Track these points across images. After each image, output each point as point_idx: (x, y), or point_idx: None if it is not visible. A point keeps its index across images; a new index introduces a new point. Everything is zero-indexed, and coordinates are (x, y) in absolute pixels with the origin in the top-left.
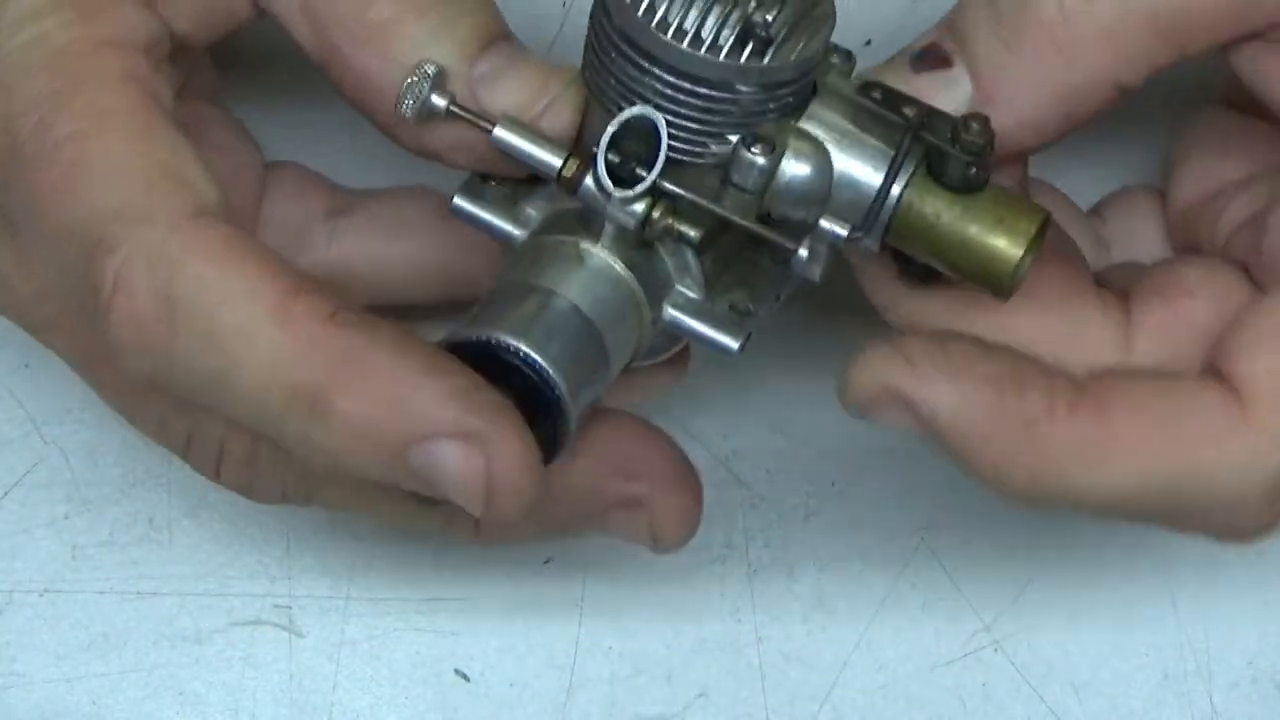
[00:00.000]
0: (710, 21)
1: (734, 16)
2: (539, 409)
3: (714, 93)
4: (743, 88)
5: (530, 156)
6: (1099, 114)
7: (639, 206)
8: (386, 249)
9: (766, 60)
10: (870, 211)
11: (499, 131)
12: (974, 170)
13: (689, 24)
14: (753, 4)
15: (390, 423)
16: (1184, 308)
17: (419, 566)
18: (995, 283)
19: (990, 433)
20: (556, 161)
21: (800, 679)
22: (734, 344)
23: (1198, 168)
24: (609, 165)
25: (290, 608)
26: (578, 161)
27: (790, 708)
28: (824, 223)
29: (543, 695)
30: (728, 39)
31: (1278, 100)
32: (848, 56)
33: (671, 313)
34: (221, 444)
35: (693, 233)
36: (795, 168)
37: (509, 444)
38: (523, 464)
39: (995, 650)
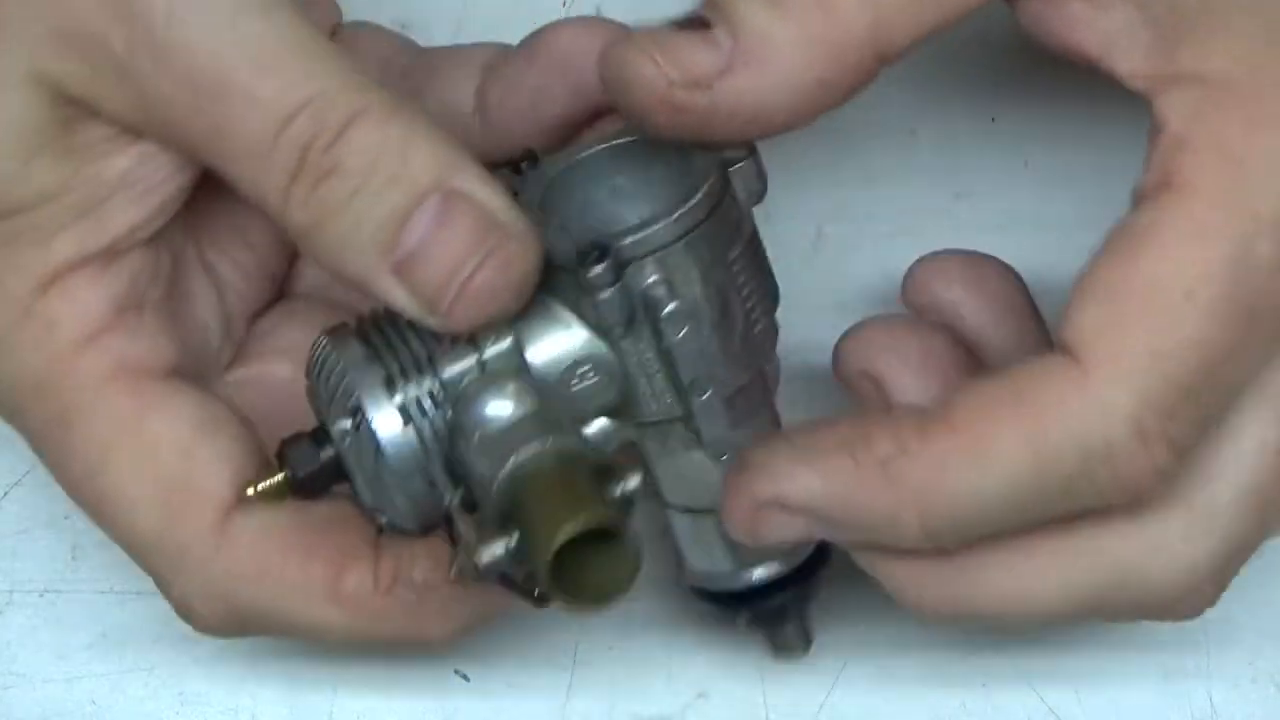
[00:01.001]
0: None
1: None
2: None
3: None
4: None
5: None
6: (855, 87)
7: None
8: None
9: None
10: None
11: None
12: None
13: None
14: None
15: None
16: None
17: None
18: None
19: (861, 495)
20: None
21: (800, 679)
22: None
23: None
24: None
25: None
26: None
27: (790, 708)
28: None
29: (543, 695)
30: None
31: (1062, 43)
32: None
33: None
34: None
35: None
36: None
37: None
38: None
39: (995, 650)
